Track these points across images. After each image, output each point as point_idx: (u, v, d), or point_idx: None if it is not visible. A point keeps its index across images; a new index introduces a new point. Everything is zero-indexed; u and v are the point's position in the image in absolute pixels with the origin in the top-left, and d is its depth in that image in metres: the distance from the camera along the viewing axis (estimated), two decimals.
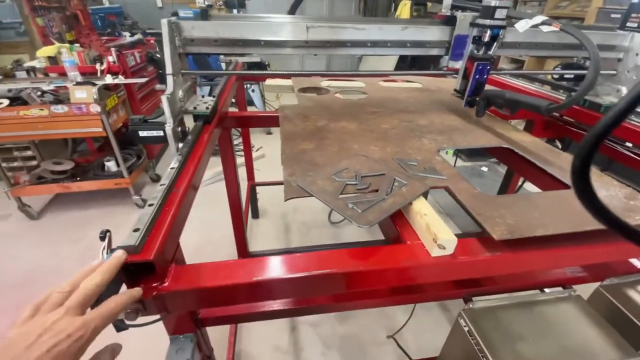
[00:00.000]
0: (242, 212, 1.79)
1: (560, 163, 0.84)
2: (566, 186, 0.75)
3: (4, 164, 2.38)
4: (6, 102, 2.12)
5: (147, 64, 2.95)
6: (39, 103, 2.14)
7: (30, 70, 2.68)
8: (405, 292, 0.79)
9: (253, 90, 3.87)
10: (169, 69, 0.88)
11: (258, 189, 2.62)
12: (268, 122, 1.28)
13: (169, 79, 0.88)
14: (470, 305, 0.78)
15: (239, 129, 2.71)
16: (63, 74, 2.41)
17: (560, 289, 0.85)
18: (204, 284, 0.51)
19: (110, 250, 0.51)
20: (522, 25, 0.93)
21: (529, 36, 1.09)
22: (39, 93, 2.22)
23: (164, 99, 0.84)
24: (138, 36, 3.18)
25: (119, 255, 0.46)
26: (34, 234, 2.37)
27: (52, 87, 2.21)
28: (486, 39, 0.99)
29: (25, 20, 4.80)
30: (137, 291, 0.47)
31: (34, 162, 2.72)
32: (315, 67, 6.27)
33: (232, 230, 1.79)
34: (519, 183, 1.70)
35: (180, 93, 0.94)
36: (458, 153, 3.31)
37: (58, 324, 0.37)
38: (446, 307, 1.87)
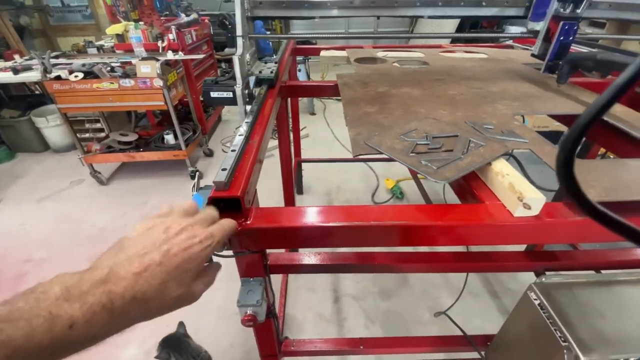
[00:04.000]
0: (293, 186, 1.84)
1: None
2: None
3: (77, 135, 2.64)
4: (81, 75, 2.33)
5: (204, 40, 3.05)
6: (109, 77, 2.33)
7: (100, 48, 2.92)
8: (472, 259, 0.77)
9: (299, 70, 3.88)
10: (239, 31, 0.90)
11: (303, 166, 2.66)
12: (325, 91, 1.27)
13: (239, 41, 0.91)
14: (543, 279, 0.74)
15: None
16: (129, 51, 2.59)
17: None
18: (285, 224, 0.53)
19: (199, 188, 0.55)
20: None
21: None
22: (108, 68, 2.41)
23: (235, 59, 0.87)
24: (194, 16, 3.29)
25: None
26: (103, 197, 2.64)
27: (119, 62, 2.39)
28: None
29: (90, 4, 5.18)
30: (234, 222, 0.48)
31: (103, 134, 3.00)
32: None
33: (279, 204, 1.85)
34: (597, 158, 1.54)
35: (247, 56, 0.96)
36: None
37: (193, 229, 0.40)
38: (496, 294, 1.79)
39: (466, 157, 0.63)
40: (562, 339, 0.65)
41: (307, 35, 1.29)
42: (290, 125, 2.29)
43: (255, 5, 0.95)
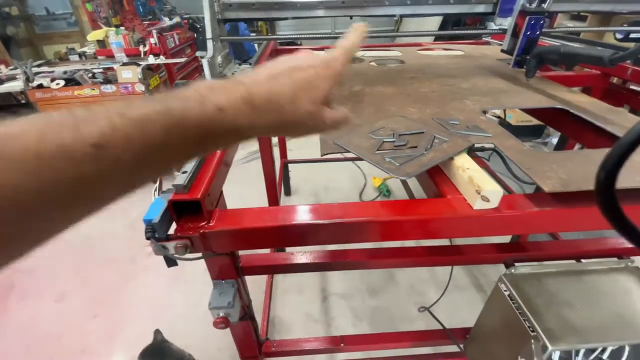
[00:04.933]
0: (277, 188, 1.84)
1: (626, 123, 0.76)
2: None
3: None
4: (62, 82, 2.31)
5: (187, 44, 3.04)
6: (91, 84, 2.31)
7: (82, 55, 2.89)
8: (443, 253, 0.78)
9: None
10: (209, 33, 0.90)
11: (290, 167, 2.65)
12: None
13: (209, 44, 0.91)
14: (512, 270, 0.75)
15: None
16: (110, 57, 2.57)
17: (614, 259, 0.79)
18: (248, 225, 0.53)
19: (162, 191, 0.55)
20: None
21: None
22: (90, 75, 2.38)
23: (204, 62, 0.87)
24: (177, 19, 3.28)
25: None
26: None
27: (101, 68, 2.37)
28: None
29: (75, 11, 5.13)
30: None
31: None
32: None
33: (266, 205, 1.85)
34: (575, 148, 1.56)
35: (219, 59, 0.96)
36: None
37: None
38: (482, 287, 1.81)
39: (429, 152, 0.63)
40: (531, 329, 0.66)
41: (286, 36, 1.27)
42: None
43: (225, 7, 0.95)
